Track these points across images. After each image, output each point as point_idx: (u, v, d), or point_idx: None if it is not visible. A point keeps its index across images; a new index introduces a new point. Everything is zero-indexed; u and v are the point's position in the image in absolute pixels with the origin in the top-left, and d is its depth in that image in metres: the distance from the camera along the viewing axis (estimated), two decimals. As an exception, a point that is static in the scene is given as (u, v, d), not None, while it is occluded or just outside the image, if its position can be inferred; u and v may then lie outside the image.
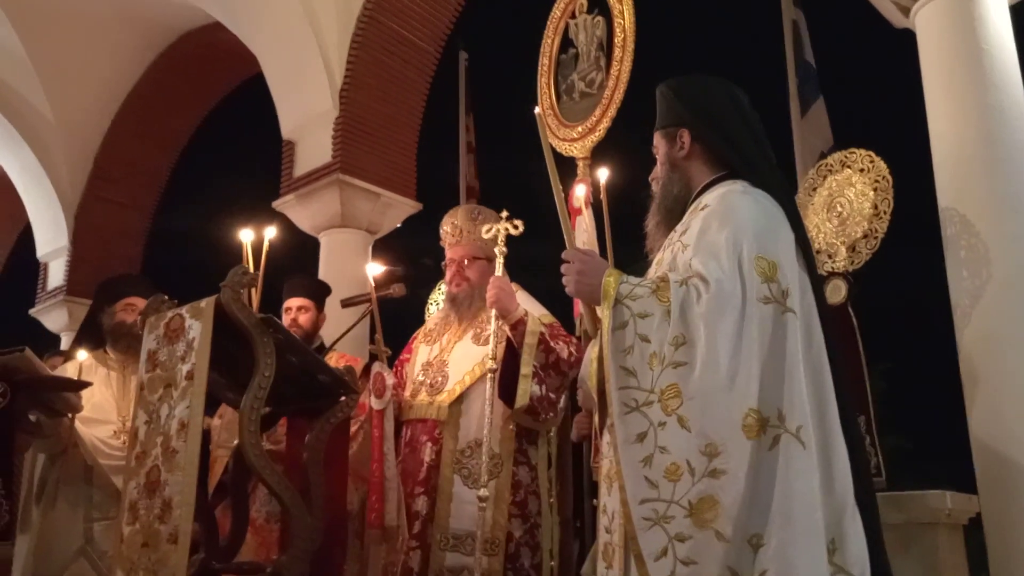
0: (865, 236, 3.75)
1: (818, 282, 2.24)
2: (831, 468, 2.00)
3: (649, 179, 2.49)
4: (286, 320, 4.11)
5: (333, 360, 3.98)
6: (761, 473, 1.91)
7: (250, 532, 3.69)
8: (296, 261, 6.25)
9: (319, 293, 4.31)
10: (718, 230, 2.12)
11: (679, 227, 2.29)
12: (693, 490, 1.91)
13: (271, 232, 3.83)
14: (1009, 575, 3.35)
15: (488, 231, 3.46)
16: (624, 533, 2.05)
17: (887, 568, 2.10)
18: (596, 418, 2.36)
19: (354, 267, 6.69)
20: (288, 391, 3.07)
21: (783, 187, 2.33)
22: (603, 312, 2.12)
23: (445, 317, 3.74)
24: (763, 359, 1.97)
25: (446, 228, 3.73)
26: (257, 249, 3.79)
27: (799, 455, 1.93)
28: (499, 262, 3.38)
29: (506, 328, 3.37)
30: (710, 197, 2.26)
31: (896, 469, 3.68)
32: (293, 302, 4.18)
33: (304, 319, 4.13)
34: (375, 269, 3.84)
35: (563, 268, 2.27)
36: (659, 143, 2.44)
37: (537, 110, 2.50)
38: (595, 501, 2.62)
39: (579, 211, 4.04)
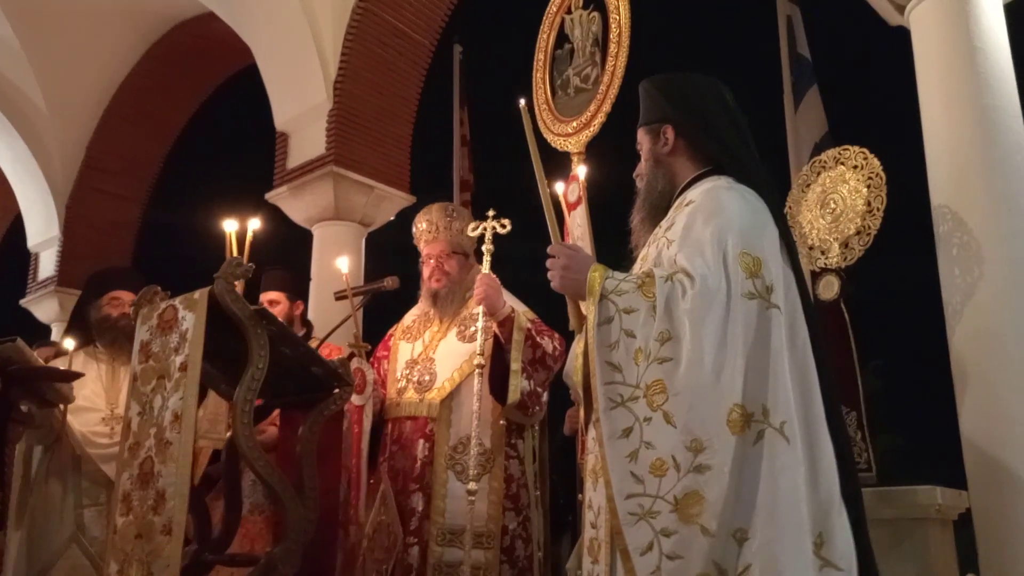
0: (858, 233, 3.76)
1: (803, 278, 2.25)
2: (816, 463, 2.01)
3: (633, 175, 2.49)
4: None
5: (321, 352, 3.98)
6: (745, 468, 1.92)
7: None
8: (289, 253, 6.25)
9: (291, 285, 4.30)
10: (703, 226, 2.13)
11: (664, 223, 2.30)
12: (678, 485, 1.92)
13: (255, 223, 3.82)
14: (999, 570, 3.37)
15: (475, 229, 3.46)
16: (610, 528, 2.05)
17: (872, 563, 2.11)
18: (582, 413, 2.36)
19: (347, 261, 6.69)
20: (282, 383, 3.06)
21: (768, 183, 2.34)
22: (588, 307, 2.13)
23: (424, 314, 3.73)
24: (747, 354, 1.99)
25: (421, 226, 3.72)
26: (241, 239, 3.77)
27: (783, 450, 1.94)
28: (486, 260, 3.39)
29: (494, 325, 3.38)
30: (695, 193, 2.27)
31: (888, 465, 3.71)
32: (264, 296, 4.20)
33: (275, 313, 4.12)
34: (345, 264, 3.79)
35: (548, 263, 2.28)
36: (643, 139, 2.44)
37: (522, 102, 2.50)
38: (581, 496, 2.62)
39: (573, 206, 4.05)
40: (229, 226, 3.75)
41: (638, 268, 2.30)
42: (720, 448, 1.92)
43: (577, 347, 2.27)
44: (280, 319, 4.06)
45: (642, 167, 2.45)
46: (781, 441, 1.94)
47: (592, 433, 2.20)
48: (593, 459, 2.20)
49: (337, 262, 3.78)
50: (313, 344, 4.02)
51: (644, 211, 2.40)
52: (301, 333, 4.18)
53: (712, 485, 1.91)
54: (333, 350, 3.94)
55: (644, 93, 2.47)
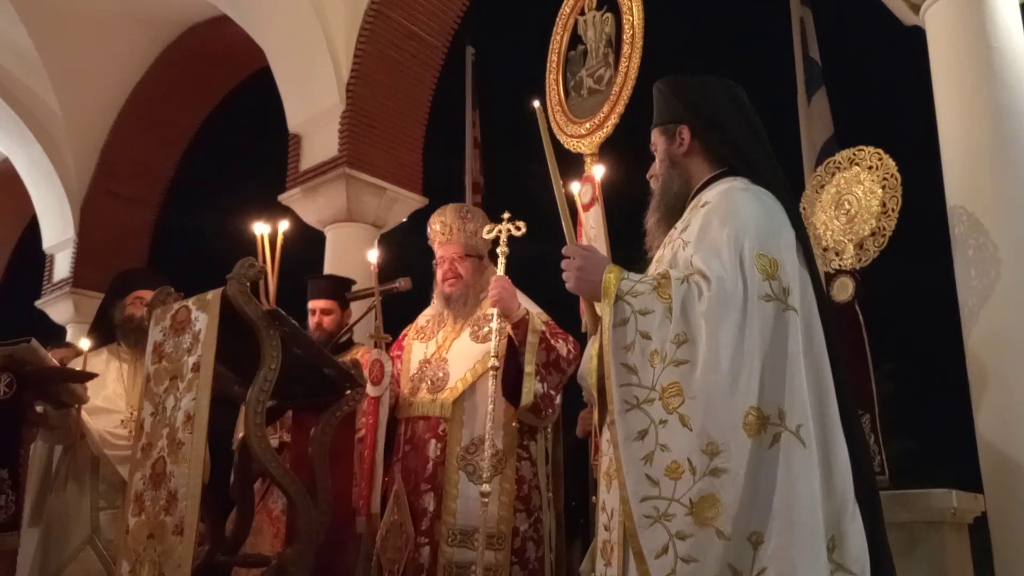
0: (873, 234, 3.74)
1: (818, 279, 2.23)
2: (831, 466, 2.00)
3: (647, 176, 2.47)
4: (311, 322, 4.15)
5: (360, 354, 4.00)
6: (761, 471, 1.91)
7: (267, 523, 3.72)
8: (302, 255, 6.26)
9: (340, 293, 4.34)
10: (719, 227, 2.12)
11: (679, 224, 2.28)
12: (694, 488, 1.91)
13: (284, 225, 3.83)
14: (1014, 574, 3.34)
15: (490, 232, 3.46)
16: (623, 530, 2.04)
17: (890, 566, 2.09)
18: (596, 415, 2.34)
19: (360, 261, 6.70)
20: (294, 384, 3.06)
21: (784, 184, 2.32)
22: (604, 309, 2.11)
23: (438, 314, 3.72)
24: (764, 357, 1.97)
25: (435, 227, 3.71)
26: (272, 242, 3.79)
27: (799, 454, 1.93)
28: (501, 262, 3.39)
29: (508, 327, 3.37)
30: (710, 194, 2.25)
31: (903, 469, 3.68)
32: (317, 304, 4.23)
33: (328, 321, 4.21)
34: (375, 256, 3.82)
35: (563, 264, 2.25)
36: (657, 140, 2.43)
37: (536, 103, 2.49)
38: (594, 498, 2.60)
39: (587, 207, 4.04)
40: (259, 228, 3.76)
41: (653, 269, 2.28)
42: (736, 451, 1.91)
43: (592, 348, 2.25)
44: (332, 328, 4.16)
45: (656, 168, 2.43)
46: (797, 445, 1.93)
47: (606, 435, 2.19)
48: (607, 461, 2.18)
49: (368, 254, 3.82)
50: (360, 352, 4.04)
51: (659, 212, 2.39)
52: (345, 339, 4.22)
53: (728, 488, 1.89)
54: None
55: (658, 94, 2.46)
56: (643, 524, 1.94)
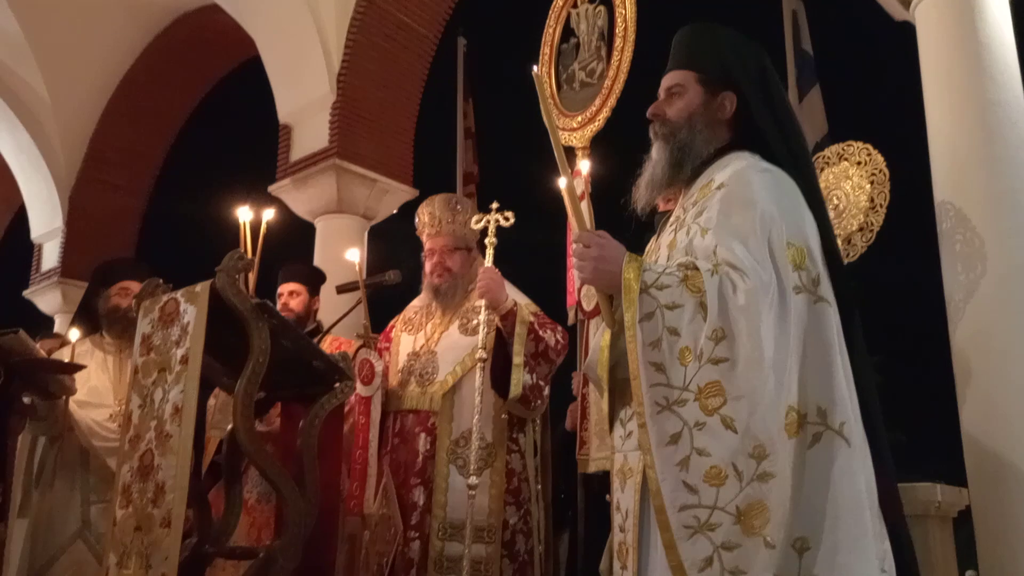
0: (861, 229, 3.75)
1: (839, 266, 2.07)
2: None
3: (649, 114, 2.24)
4: (278, 305, 4.13)
5: (327, 344, 3.99)
6: (803, 473, 1.80)
7: (242, 512, 3.71)
8: (292, 246, 6.25)
9: (311, 278, 4.32)
10: (742, 213, 1.97)
11: (688, 205, 2.13)
12: (741, 495, 1.78)
13: (269, 214, 3.81)
14: (998, 567, 3.37)
15: (479, 222, 3.44)
16: (638, 533, 1.95)
17: (915, 566, 2.02)
18: (605, 407, 2.16)
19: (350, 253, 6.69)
20: (283, 377, 3.06)
21: (814, 173, 2.20)
22: (625, 302, 1.93)
23: (426, 306, 3.71)
24: (801, 353, 1.85)
25: (424, 217, 3.67)
26: (255, 230, 3.78)
27: (844, 453, 1.82)
28: (489, 253, 3.37)
29: (496, 319, 3.37)
30: (724, 174, 2.08)
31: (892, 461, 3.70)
32: (285, 287, 4.22)
33: (295, 303, 4.17)
34: (356, 255, 3.80)
35: (578, 253, 2.03)
36: (690, 88, 2.19)
37: (535, 70, 2.31)
38: (608, 496, 2.45)
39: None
40: (243, 215, 3.72)
41: (665, 255, 2.12)
42: (781, 453, 1.79)
43: (602, 339, 2.13)
44: (299, 310, 4.12)
45: (669, 112, 2.20)
46: (841, 443, 1.82)
47: (618, 431, 2.09)
48: (621, 459, 2.08)
49: (348, 254, 3.78)
50: (327, 341, 4.04)
51: (668, 170, 2.17)
52: (311, 328, 4.20)
53: (775, 493, 1.77)
54: (343, 343, 3.93)
55: (712, 39, 2.26)
56: (683, 535, 1.80)
